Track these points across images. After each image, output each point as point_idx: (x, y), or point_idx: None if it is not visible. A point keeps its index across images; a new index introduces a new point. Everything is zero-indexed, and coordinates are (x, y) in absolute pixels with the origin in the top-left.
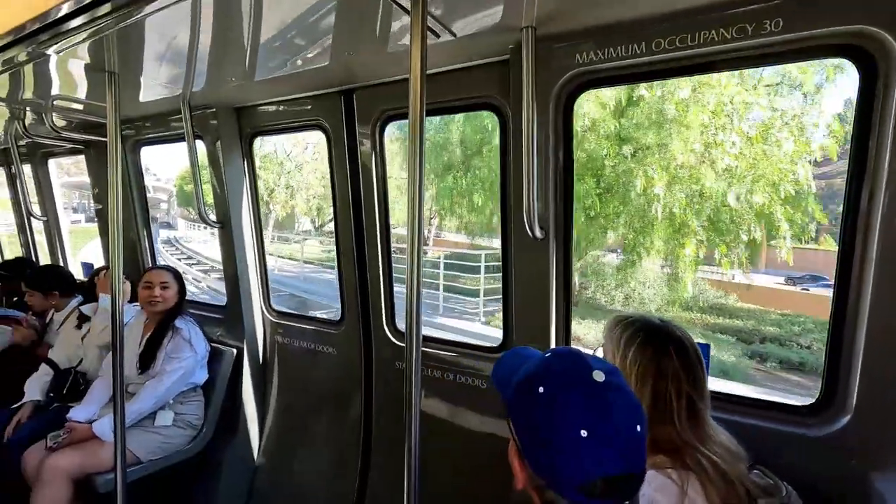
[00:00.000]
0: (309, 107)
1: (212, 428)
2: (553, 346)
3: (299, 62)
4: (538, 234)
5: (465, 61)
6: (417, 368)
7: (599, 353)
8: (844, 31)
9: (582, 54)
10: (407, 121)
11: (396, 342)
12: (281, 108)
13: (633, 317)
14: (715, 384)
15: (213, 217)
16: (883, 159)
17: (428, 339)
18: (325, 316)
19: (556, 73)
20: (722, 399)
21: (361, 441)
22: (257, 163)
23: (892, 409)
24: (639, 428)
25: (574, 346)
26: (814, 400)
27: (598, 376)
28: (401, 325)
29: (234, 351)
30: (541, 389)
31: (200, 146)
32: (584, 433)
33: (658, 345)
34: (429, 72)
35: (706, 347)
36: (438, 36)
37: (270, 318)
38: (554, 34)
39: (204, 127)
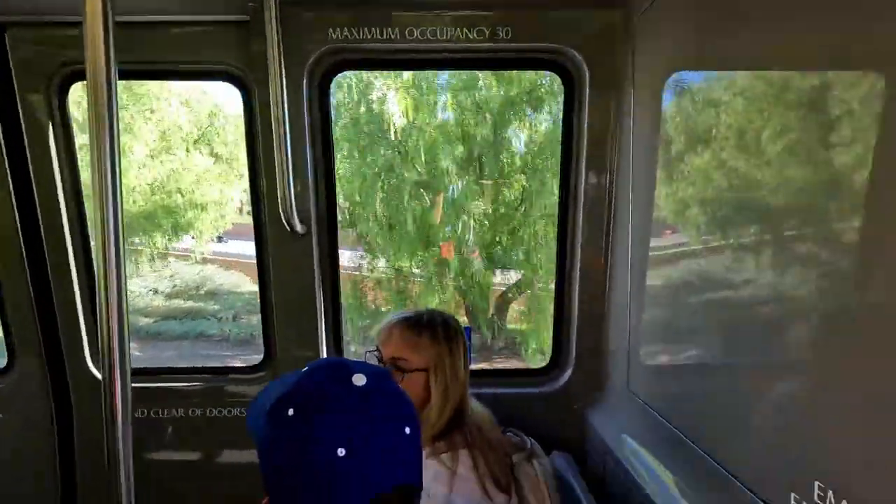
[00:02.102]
0: None
1: None
2: (325, 354)
3: None
4: (298, 228)
5: (194, 13)
6: (126, 413)
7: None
8: (551, 48)
9: (335, 30)
10: None
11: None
12: None
13: (423, 312)
14: None
15: None
16: (581, 157)
17: (157, 372)
18: None
19: (307, 46)
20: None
21: None
22: None
23: (596, 364)
24: (408, 430)
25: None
26: (545, 364)
27: (359, 380)
28: None
29: None
30: (290, 412)
31: None
32: (341, 452)
33: (459, 331)
34: (140, 18)
35: (469, 329)
36: None
37: None
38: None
39: None
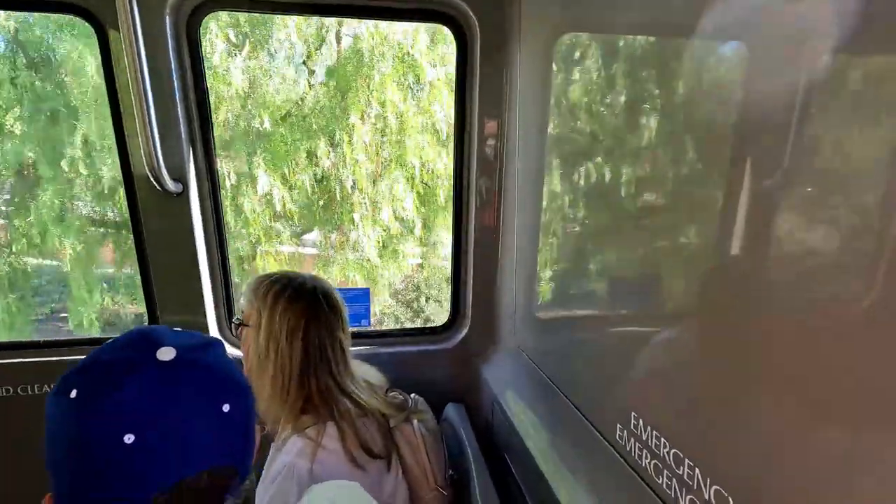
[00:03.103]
0: None
1: None
2: (212, 323)
3: None
4: (170, 186)
5: None
6: None
7: None
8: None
9: None
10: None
11: None
12: None
13: (276, 274)
14: None
15: None
16: (474, 117)
17: (43, 345)
18: None
19: None
20: (369, 336)
21: None
22: None
23: (490, 322)
24: (227, 407)
25: None
26: (445, 321)
27: (165, 354)
28: None
29: None
30: (73, 394)
31: None
32: (129, 439)
33: (309, 297)
34: None
35: (367, 291)
36: None
37: None
38: None
39: None
